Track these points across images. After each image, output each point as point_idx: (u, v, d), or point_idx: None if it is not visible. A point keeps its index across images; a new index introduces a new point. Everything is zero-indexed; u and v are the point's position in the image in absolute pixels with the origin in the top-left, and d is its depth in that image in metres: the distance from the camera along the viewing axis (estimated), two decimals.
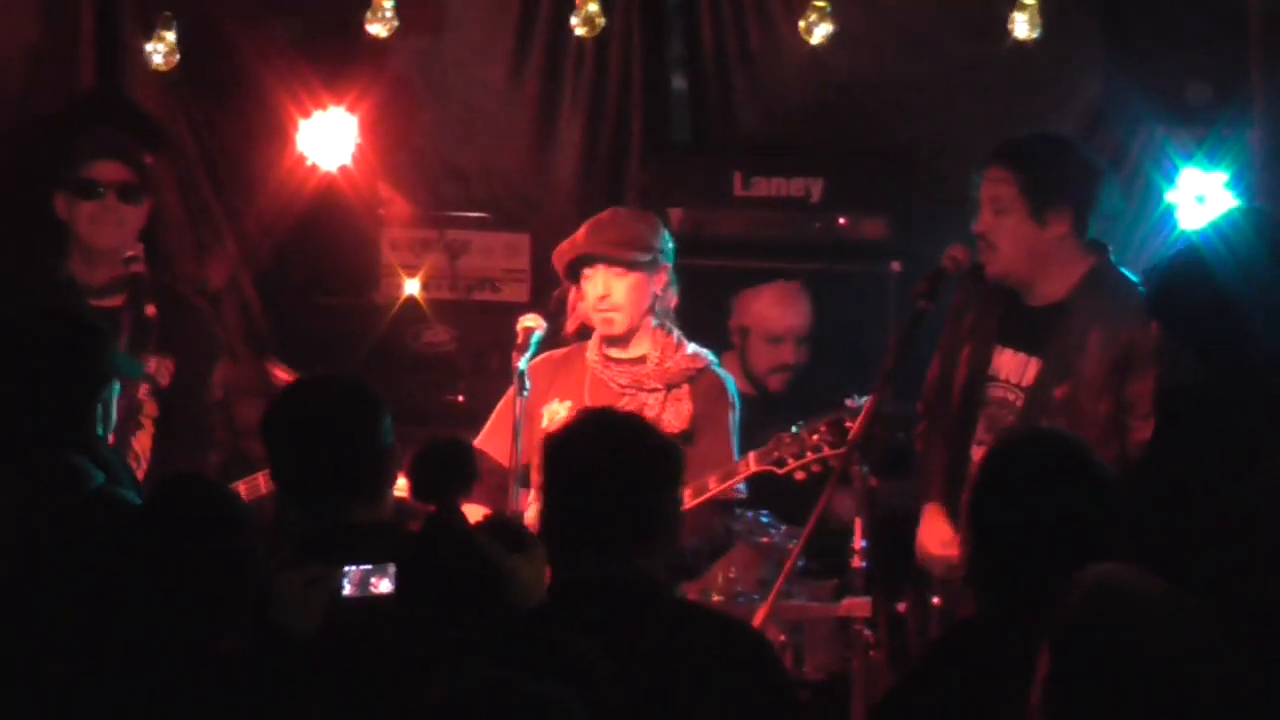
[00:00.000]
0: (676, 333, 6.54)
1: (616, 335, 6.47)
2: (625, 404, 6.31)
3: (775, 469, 6.17)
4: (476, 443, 6.63)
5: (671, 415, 6.32)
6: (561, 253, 6.53)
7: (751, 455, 6.21)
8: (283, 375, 6.84)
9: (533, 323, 6.33)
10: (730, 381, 6.60)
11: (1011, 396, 6.20)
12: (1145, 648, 3.28)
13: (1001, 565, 4.08)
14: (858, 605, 6.59)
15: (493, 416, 6.68)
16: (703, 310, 7.80)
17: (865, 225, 8.06)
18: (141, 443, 6.48)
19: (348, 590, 4.33)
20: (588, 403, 6.35)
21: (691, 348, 6.52)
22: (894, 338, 6.35)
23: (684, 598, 6.04)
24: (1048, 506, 4.08)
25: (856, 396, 6.48)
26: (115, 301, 6.47)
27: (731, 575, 6.85)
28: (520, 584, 4.22)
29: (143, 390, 6.47)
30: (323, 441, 4.65)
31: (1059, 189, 6.17)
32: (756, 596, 6.62)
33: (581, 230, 6.52)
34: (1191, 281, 4.76)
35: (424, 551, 4.24)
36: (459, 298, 8.30)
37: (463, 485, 4.35)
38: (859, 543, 6.50)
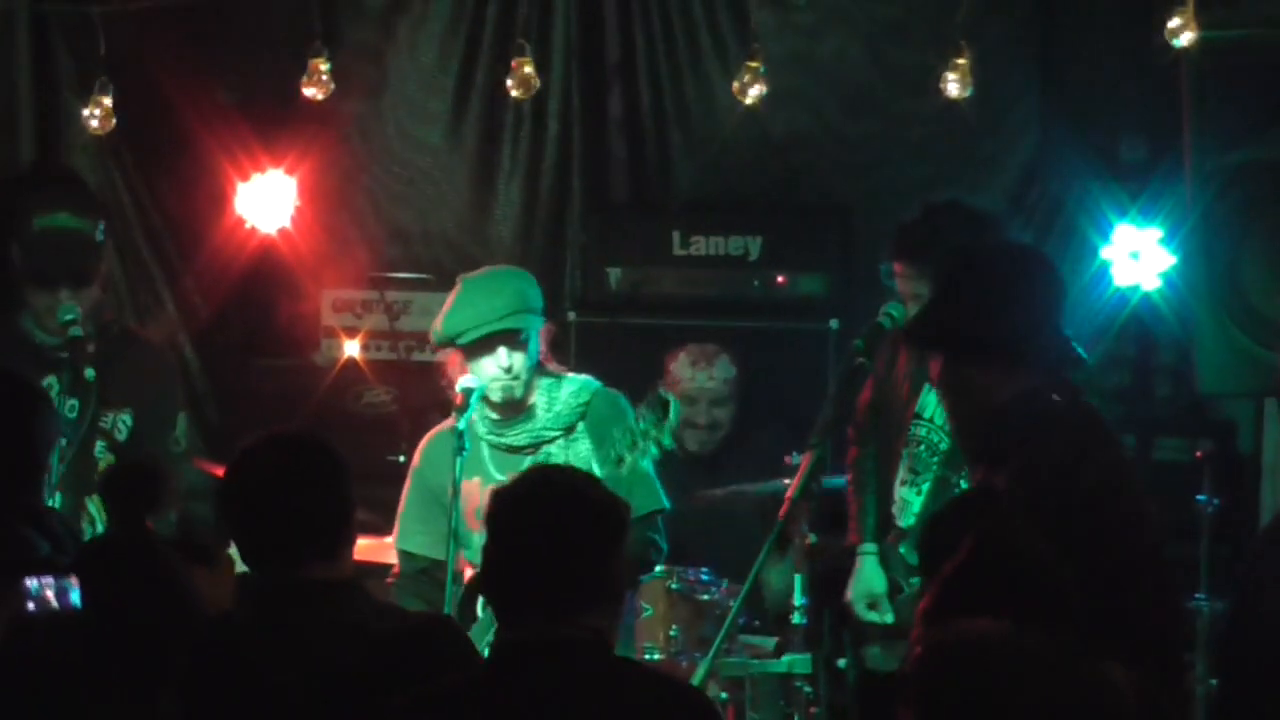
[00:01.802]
0: (551, 370, 6.42)
1: (516, 401, 6.36)
2: (531, 462, 6.25)
3: (617, 468, 6.08)
4: (398, 546, 6.55)
5: (574, 458, 6.25)
6: (459, 325, 6.28)
7: (593, 468, 6.10)
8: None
9: (471, 382, 6.28)
10: (620, 398, 6.43)
11: (936, 438, 6.23)
12: (996, 695, 3.30)
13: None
14: (798, 662, 6.60)
15: (399, 519, 6.51)
16: (641, 369, 7.82)
17: (803, 283, 8.10)
18: (97, 503, 6.43)
19: (31, 605, 4.34)
20: (495, 473, 6.29)
21: (568, 383, 6.41)
22: (831, 395, 6.35)
23: (628, 659, 6.03)
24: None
25: (794, 454, 6.49)
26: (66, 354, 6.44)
27: (673, 633, 6.85)
28: (204, 595, 4.31)
29: (98, 447, 6.43)
30: (282, 497, 4.62)
31: None
32: (698, 655, 6.61)
33: (471, 295, 6.31)
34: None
35: (109, 565, 4.29)
36: (399, 358, 8.31)
37: (149, 502, 4.44)
38: (799, 600, 6.52)
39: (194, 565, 4.36)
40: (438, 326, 6.33)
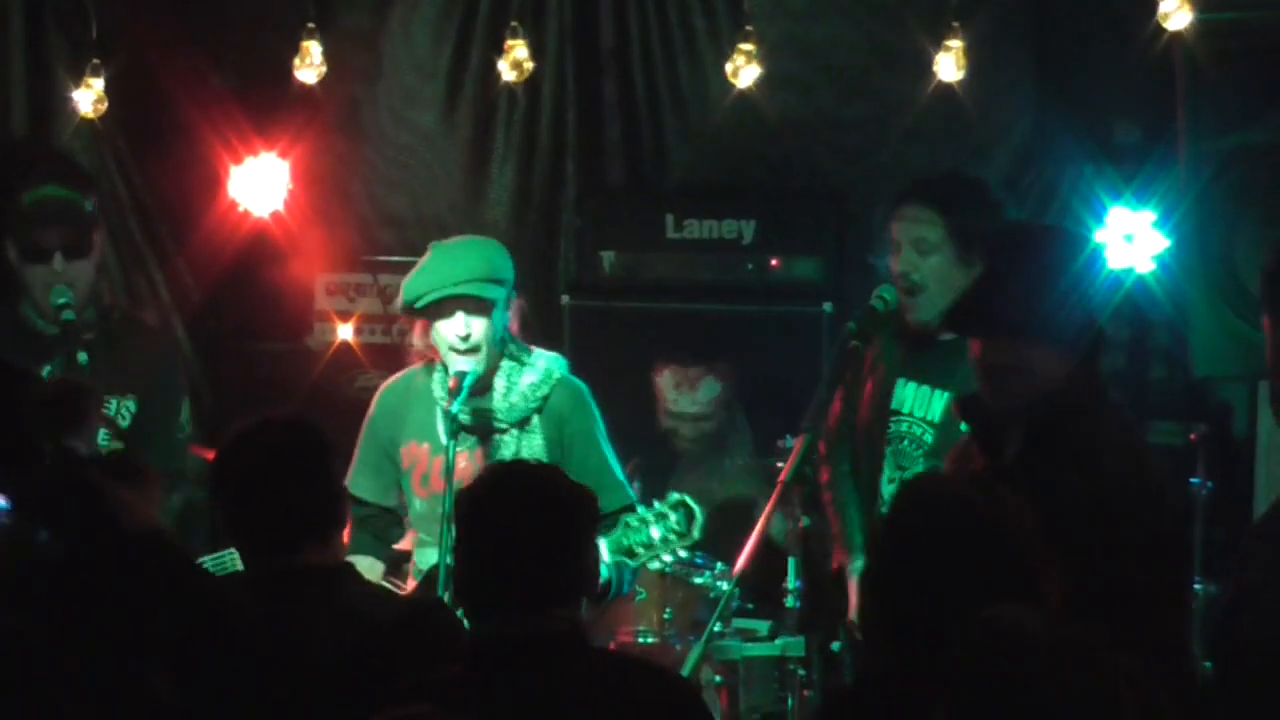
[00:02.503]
0: (515, 350, 6.28)
1: (477, 377, 6.20)
2: (481, 445, 6.20)
3: (627, 560, 6.02)
4: (348, 484, 6.50)
5: (525, 453, 6.16)
6: (418, 289, 6.18)
7: (602, 543, 5.90)
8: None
9: (466, 365, 6.22)
10: (582, 389, 6.35)
11: (919, 431, 6.17)
12: (1039, 689, 3.29)
13: (900, 619, 4.03)
14: (792, 645, 6.60)
15: (355, 458, 6.38)
16: (635, 352, 7.82)
17: (797, 266, 8.09)
18: None
19: None
20: (446, 442, 6.11)
21: (529, 370, 6.27)
22: (825, 378, 6.32)
23: (607, 648, 6.03)
24: (945, 564, 4.00)
25: (788, 437, 6.47)
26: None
27: (666, 616, 6.85)
28: (129, 513, 4.36)
29: (101, 435, 6.39)
30: (275, 483, 4.64)
31: (981, 232, 6.10)
32: (691, 638, 6.61)
33: (435, 261, 6.23)
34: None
35: (38, 484, 4.36)
36: (392, 342, 8.28)
37: (74, 424, 4.61)
38: (792, 583, 6.51)
39: (120, 485, 4.39)
40: (401, 291, 6.25)
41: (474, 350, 6.13)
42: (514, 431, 6.22)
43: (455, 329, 6.11)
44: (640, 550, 5.89)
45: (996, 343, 4.84)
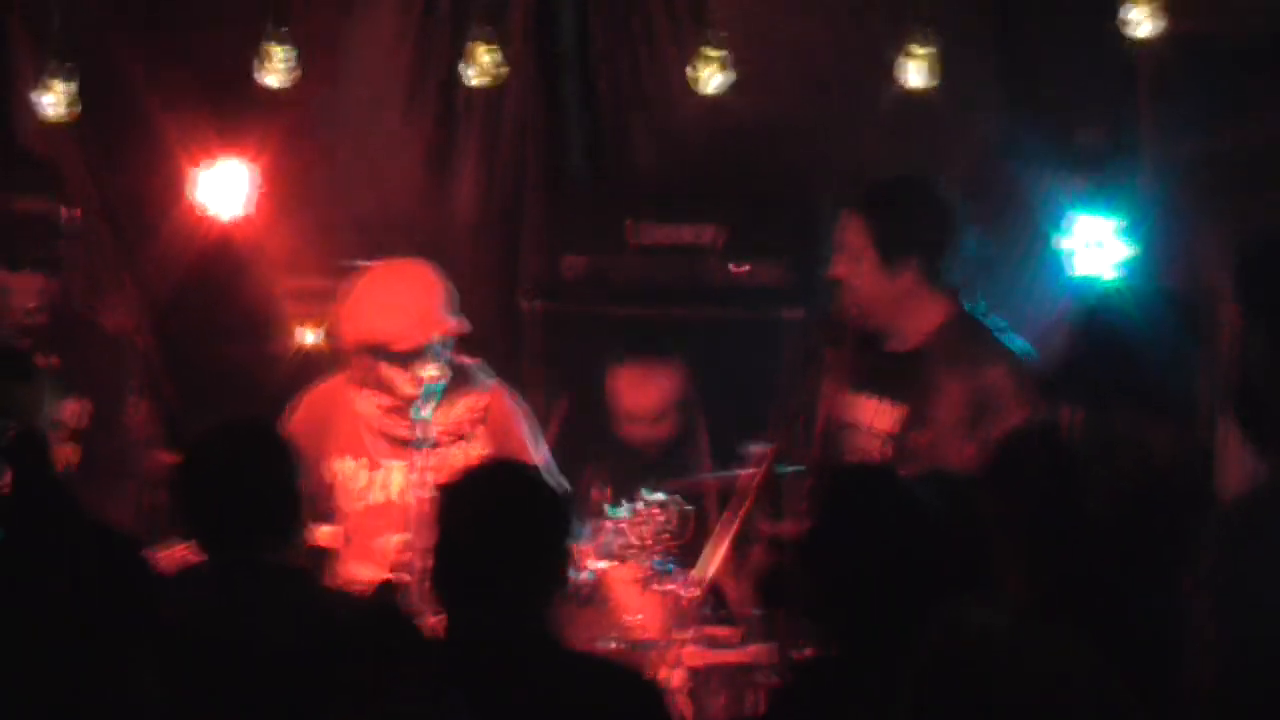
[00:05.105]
0: (451, 364, 6.35)
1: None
2: (420, 461, 6.17)
3: (617, 562, 6.05)
4: None
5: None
6: (393, 329, 6.28)
7: (590, 547, 6.09)
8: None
9: (435, 372, 6.26)
10: (516, 396, 6.45)
11: (874, 444, 6.15)
12: (999, 685, 3.31)
13: (842, 603, 4.09)
14: (760, 652, 6.60)
15: None
16: (596, 356, 7.82)
17: (763, 271, 8.08)
18: None
19: None
20: (376, 459, 6.25)
21: (469, 383, 6.36)
22: (791, 385, 6.33)
23: (576, 649, 6.04)
24: (881, 544, 4.07)
25: (755, 444, 6.47)
26: (27, 344, 6.40)
27: (635, 621, 6.84)
28: (20, 406, 4.57)
29: (60, 437, 6.38)
30: (237, 485, 4.67)
31: (905, 238, 6.14)
32: (661, 643, 6.61)
33: (396, 297, 6.32)
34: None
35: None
36: None
37: None
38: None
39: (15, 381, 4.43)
40: (365, 327, 6.28)
41: (430, 383, 6.17)
42: (460, 444, 6.24)
43: (427, 369, 6.13)
44: (630, 552, 5.94)
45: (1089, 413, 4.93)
